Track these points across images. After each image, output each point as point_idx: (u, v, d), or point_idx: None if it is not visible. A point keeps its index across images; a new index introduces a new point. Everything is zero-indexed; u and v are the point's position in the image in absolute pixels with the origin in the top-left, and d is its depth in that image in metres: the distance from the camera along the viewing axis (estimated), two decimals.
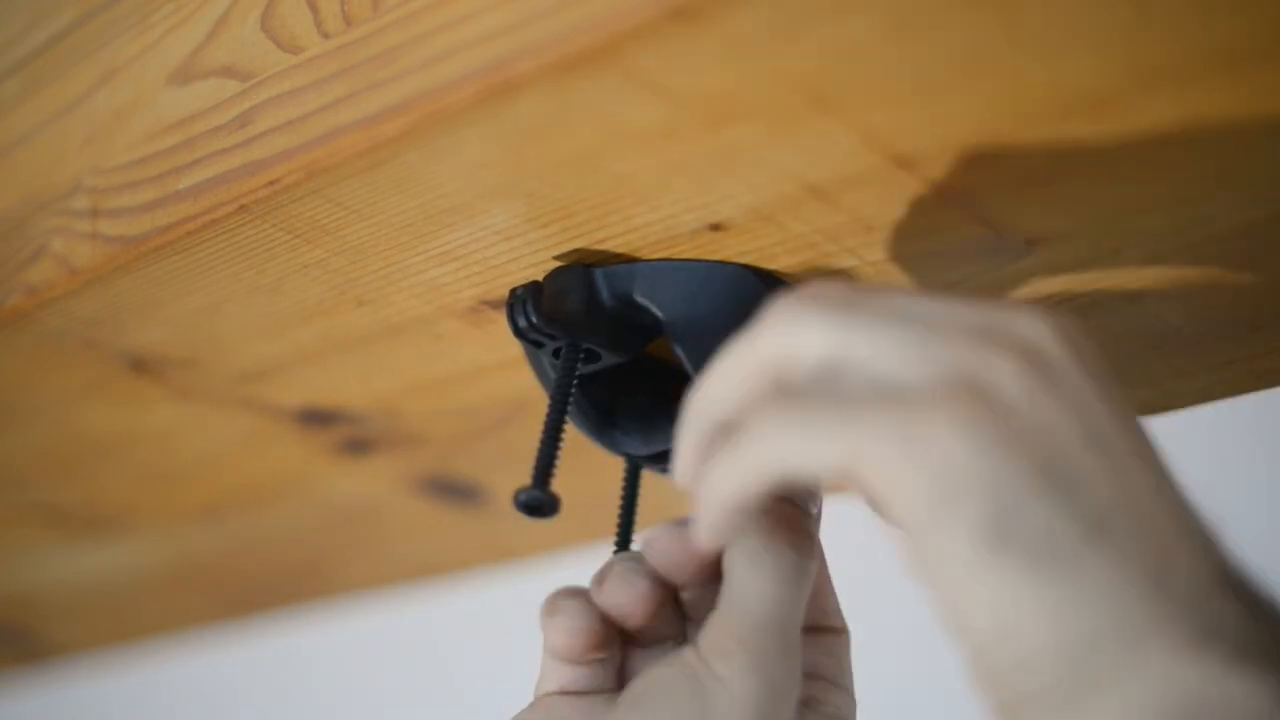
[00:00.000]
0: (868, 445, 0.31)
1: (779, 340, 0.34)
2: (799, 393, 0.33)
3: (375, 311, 0.51)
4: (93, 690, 1.20)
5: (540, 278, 0.46)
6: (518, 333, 0.45)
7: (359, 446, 0.67)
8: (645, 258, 0.45)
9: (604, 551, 0.49)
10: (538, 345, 0.45)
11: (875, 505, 0.32)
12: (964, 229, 0.41)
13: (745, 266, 0.44)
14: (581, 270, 0.45)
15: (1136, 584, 0.30)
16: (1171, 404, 0.53)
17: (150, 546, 0.86)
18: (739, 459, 0.33)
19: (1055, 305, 0.46)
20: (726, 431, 0.34)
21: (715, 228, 0.42)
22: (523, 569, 0.88)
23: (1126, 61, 0.34)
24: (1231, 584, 0.31)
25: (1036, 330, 0.33)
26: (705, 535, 0.35)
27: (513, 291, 0.46)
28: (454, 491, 0.73)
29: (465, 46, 0.37)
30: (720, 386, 0.35)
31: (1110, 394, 0.33)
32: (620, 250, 0.44)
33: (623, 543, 0.49)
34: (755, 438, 0.33)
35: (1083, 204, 0.40)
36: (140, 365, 0.58)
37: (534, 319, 0.44)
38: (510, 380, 0.57)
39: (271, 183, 0.42)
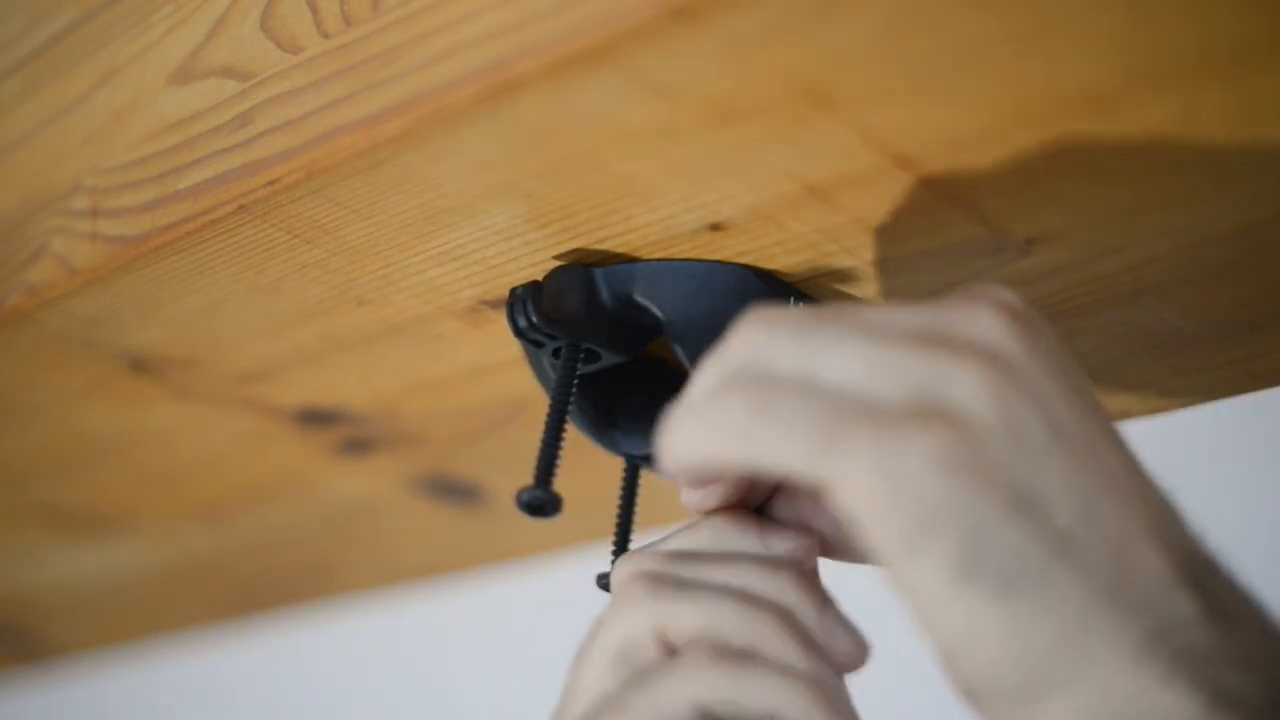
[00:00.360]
0: (846, 467, 0.32)
1: (750, 355, 0.34)
2: (781, 389, 0.33)
3: (375, 311, 0.51)
4: (93, 690, 1.20)
5: (540, 278, 0.46)
6: (518, 332, 0.45)
7: (359, 446, 0.67)
8: (645, 258, 0.45)
9: (604, 551, 0.49)
10: (538, 345, 0.45)
11: (848, 520, 0.33)
12: (964, 229, 0.41)
13: (745, 266, 0.44)
14: (581, 270, 0.45)
15: (1093, 597, 0.31)
16: (1171, 404, 0.53)
17: (150, 546, 0.86)
18: (713, 426, 0.33)
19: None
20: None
21: (715, 228, 0.42)
22: (523, 569, 0.88)
23: (1126, 62, 0.34)
24: (1195, 572, 0.32)
25: (993, 329, 0.33)
26: (672, 476, 0.36)
27: (513, 291, 0.46)
28: (454, 491, 0.73)
29: (465, 46, 0.37)
30: (700, 392, 0.35)
31: (1069, 381, 0.33)
32: (620, 250, 0.44)
33: (621, 543, 0.49)
34: (731, 410, 0.33)
35: (1083, 204, 0.40)
36: (140, 365, 0.58)
37: (534, 319, 0.44)
38: (510, 380, 0.57)
39: (271, 183, 0.42)
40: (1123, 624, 0.31)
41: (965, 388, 0.32)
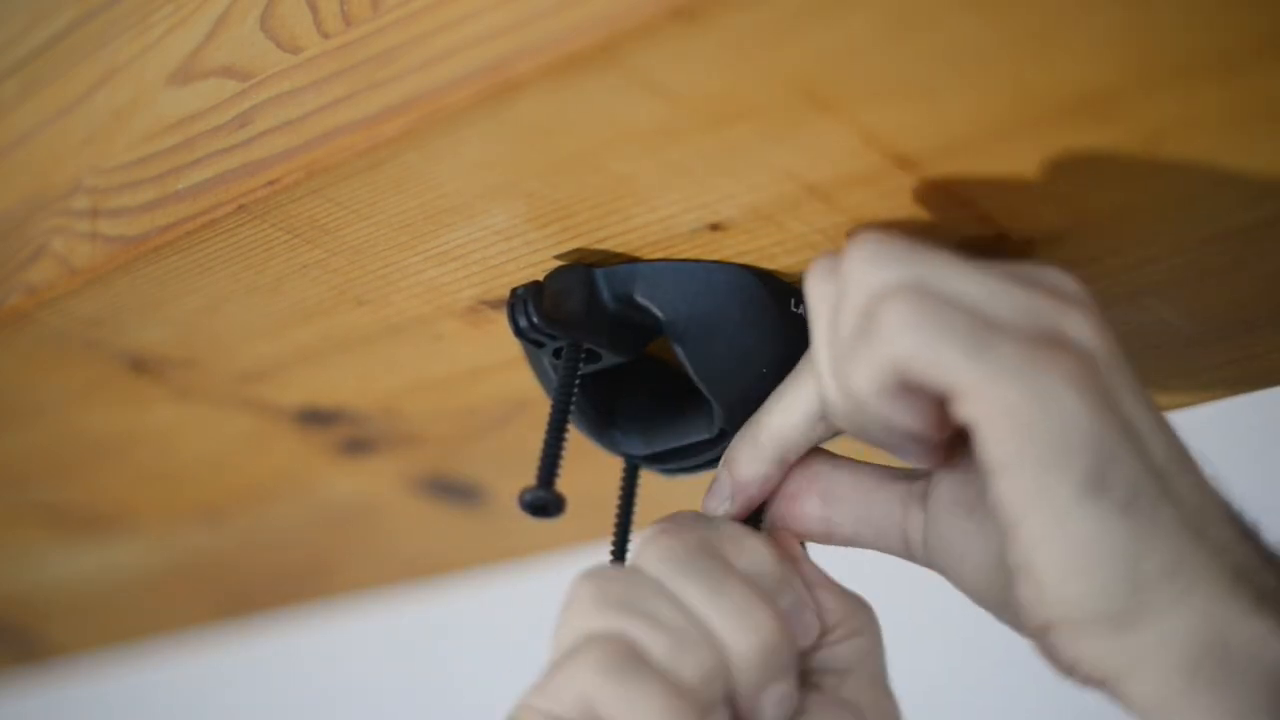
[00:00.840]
0: (992, 378, 0.33)
1: (861, 270, 0.36)
2: (936, 293, 0.35)
3: (375, 311, 0.51)
4: (93, 690, 1.20)
5: (540, 278, 0.46)
6: (518, 332, 0.45)
7: (359, 446, 0.67)
8: (645, 258, 0.45)
9: (604, 551, 0.49)
10: (538, 345, 0.45)
11: (974, 431, 0.34)
12: (964, 229, 0.41)
13: (745, 267, 0.44)
14: (582, 270, 0.45)
15: (1187, 531, 0.34)
16: (1171, 404, 0.53)
17: (150, 546, 0.86)
18: (872, 351, 0.35)
19: None
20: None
21: (715, 228, 0.42)
22: (523, 569, 0.88)
23: (1126, 62, 0.34)
24: (1246, 533, 0.35)
25: (1076, 287, 0.36)
26: (852, 428, 0.38)
27: (513, 291, 0.46)
28: (454, 491, 0.73)
29: (465, 46, 0.37)
30: (818, 318, 0.38)
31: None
32: (620, 250, 0.44)
33: (620, 543, 0.49)
34: (887, 330, 0.34)
35: (1082, 204, 0.40)
36: (140, 365, 0.58)
37: (534, 319, 0.44)
38: (510, 380, 0.57)
39: (271, 183, 0.42)
40: (1213, 559, 0.34)
41: (1079, 325, 0.35)
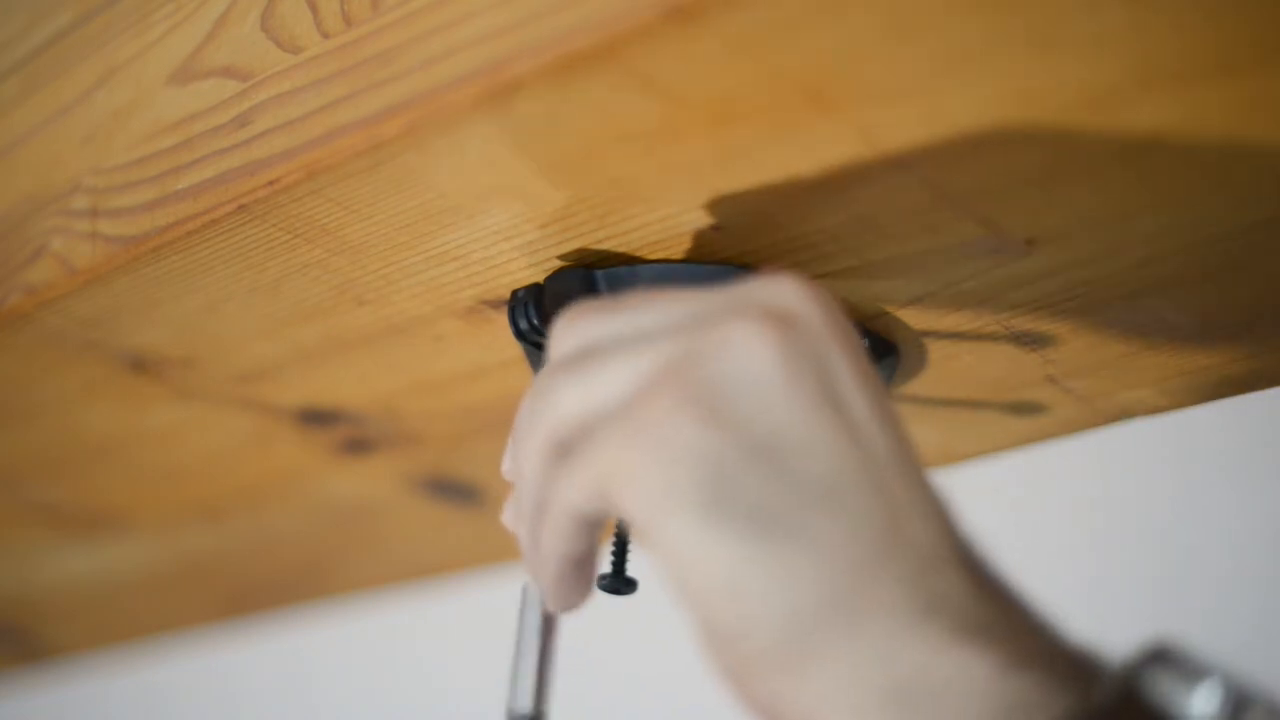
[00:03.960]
0: (606, 468, 0.32)
1: (545, 417, 0.35)
2: (566, 446, 0.34)
3: (375, 311, 0.51)
4: (93, 690, 1.20)
5: (540, 278, 0.46)
6: (519, 335, 0.45)
7: (359, 446, 0.67)
8: (645, 258, 0.45)
9: (603, 552, 0.49)
10: (539, 347, 0.45)
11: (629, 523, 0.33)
12: (964, 229, 0.41)
13: (745, 267, 0.44)
14: (583, 272, 0.45)
15: (862, 553, 0.31)
16: (1171, 404, 0.53)
17: (150, 546, 0.86)
18: (543, 520, 0.36)
19: (1054, 305, 0.46)
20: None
21: (715, 228, 0.42)
22: (522, 569, 0.88)
23: (1126, 62, 0.34)
24: (960, 557, 0.32)
25: (782, 292, 0.34)
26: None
27: (514, 294, 0.46)
28: (454, 491, 0.73)
29: (465, 46, 0.37)
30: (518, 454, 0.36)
31: (854, 355, 0.34)
32: (620, 250, 0.44)
33: (620, 544, 0.49)
34: (544, 503, 0.35)
35: (1082, 204, 0.40)
36: (140, 365, 0.58)
37: (535, 321, 0.44)
38: (510, 380, 0.57)
39: (271, 182, 0.42)
40: (899, 586, 0.31)
41: (725, 345, 0.33)
